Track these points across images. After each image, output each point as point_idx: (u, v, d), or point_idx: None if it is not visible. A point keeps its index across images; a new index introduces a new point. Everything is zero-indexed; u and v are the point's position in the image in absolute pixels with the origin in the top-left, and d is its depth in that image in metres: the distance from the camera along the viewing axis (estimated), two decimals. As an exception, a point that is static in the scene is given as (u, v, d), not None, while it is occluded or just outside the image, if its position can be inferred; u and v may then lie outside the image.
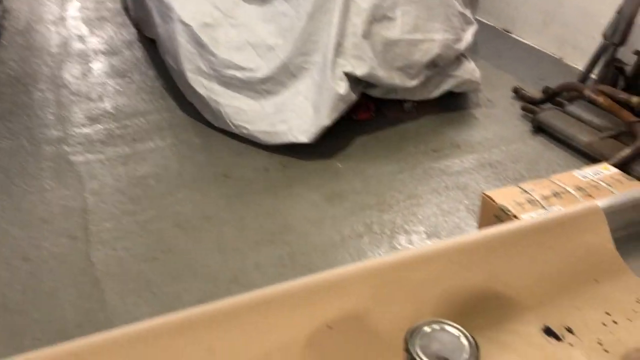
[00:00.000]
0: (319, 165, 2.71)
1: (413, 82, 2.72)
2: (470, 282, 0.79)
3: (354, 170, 2.65)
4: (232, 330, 0.70)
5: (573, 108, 2.79)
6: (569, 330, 0.77)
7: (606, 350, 0.74)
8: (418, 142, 2.83)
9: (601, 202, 0.87)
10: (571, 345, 0.75)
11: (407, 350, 0.65)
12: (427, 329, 0.68)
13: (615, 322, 0.78)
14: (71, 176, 2.60)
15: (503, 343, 0.75)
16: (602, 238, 0.86)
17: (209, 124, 2.92)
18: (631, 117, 2.57)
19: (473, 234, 0.81)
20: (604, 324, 0.78)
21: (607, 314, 0.79)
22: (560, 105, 2.88)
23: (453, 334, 0.67)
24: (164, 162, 2.70)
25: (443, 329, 0.68)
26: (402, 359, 0.66)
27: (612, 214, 0.86)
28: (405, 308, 0.72)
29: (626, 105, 2.62)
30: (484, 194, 1.95)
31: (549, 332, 0.77)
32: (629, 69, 2.89)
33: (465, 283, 0.79)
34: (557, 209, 0.87)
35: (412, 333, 0.67)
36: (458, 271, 0.79)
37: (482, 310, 0.78)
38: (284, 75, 2.67)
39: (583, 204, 0.85)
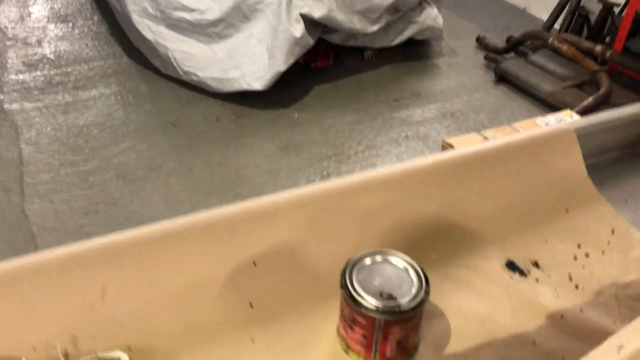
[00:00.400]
0: (274, 115, 2.58)
1: (374, 28, 2.59)
2: (424, 212, 0.68)
3: (311, 120, 2.54)
4: (139, 264, 0.57)
5: (536, 57, 2.71)
6: (536, 265, 0.67)
7: (577, 286, 0.65)
8: (378, 92, 2.73)
9: (574, 124, 0.77)
10: (537, 281, 0.65)
11: (344, 286, 0.54)
12: (368, 261, 0.56)
13: (587, 255, 0.69)
14: (5, 125, 2.42)
15: (460, 280, 0.64)
16: (574, 163, 0.76)
17: (157, 71, 2.76)
18: (594, 66, 2.51)
19: (428, 157, 0.69)
20: (575, 258, 0.68)
21: (579, 246, 0.69)
22: (523, 54, 2.81)
23: (398, 267, 0.56)
24: (108, 111, 2.54)
25: (387, 261, 0.56)
26: (340, 298, 0.55)
27: (586, 136, 0.76)
28: (346, 242, 0.60)
29: (590, 54, 2.56)
30: (445, 141, 1.87)
31: (512, 267, 0.66)
32: (593, 17, 2.81)
33: (418, 213, 0.68)
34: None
35: (350, 266, 0.55)
36: (410, 199, 0.68)
37: (437, 244, 0.67)
38: (237, 17, 2.51)
39: (553, 126, 0.74)
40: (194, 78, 2.58)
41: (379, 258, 0.56)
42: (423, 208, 0.68)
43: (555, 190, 0.74)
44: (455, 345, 0.57)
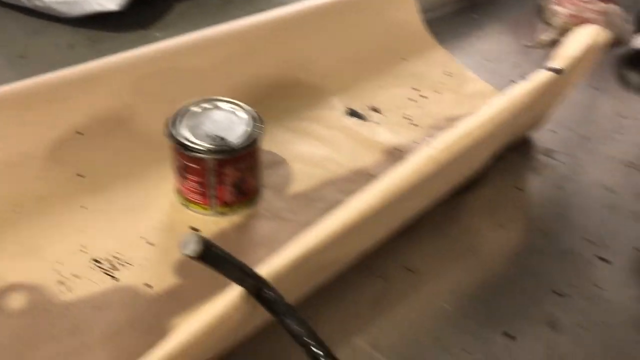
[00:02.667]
0: (134, 37, 2.41)
1: None
2: (263, 69, 0.67)
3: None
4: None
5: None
6: (375, 110, 0.68)
7: (415, 124, 0.66)
8: (244, 3, 2.63)
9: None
10: (377, 123, 0.66)
11: (170, 135, 0.51)
12: (195, 109, 0.54)
13: (423, 97, 0.70)
14: None
15: (302, 130, 0.64)
16: (410, 14, 0.77)
17: (-4, 1, 2.48)
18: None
19: (265, 14, 0.66)
20: (411, 99, 0.70)
21: (415, 89, 0.71)
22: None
23: (228, 110, 0.54)
24: (-57, 48, 2.27)
25: (216, 107, 0.54)
26: (170, 151, 0.52)
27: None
28: (177, 103, 0.57)
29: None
30: None
31: (353, 113, 0.67)
32: None
33: (257, 69, 0.66)
34: None
35: (176, 115, 0.53)
36: (248, 56, 0.66)
37: (278, 99, 0.66)
38: None
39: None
40: (38, 3, 2.35)
41: (207, 105, 0.54)
42: (262, 64, 0.66)
43: (392, 41, 0.75)
44: (297, 186, 0.57)
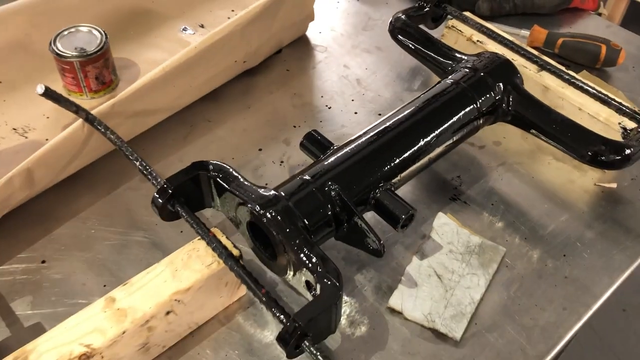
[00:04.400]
0: None
1: None
2: (119, 5, 0.96)
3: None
4: None
5: None
6: (202, 26, 0.99)
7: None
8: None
9: None
10: (200, 34, 0.97)
11: (52, 50, 0.82)
12: (66, 32, 0.85)
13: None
14: None
15: (150, 44, 0.95)
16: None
17: None
18: None
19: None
20: (229, 17, 1.01)
21: (232, 10, 1.02)
22: None
23: (86, 31, 0.85)
24: None
25: (79, 30, 0.85)
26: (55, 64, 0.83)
27: None
28: (60, 29, 0.87)
29: None
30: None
31: (185, 29, 0.98)
32: None
33: (116, 6, 0.96)
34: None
35: (55, 38, 0.83)
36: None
37: (133, 24, 0.96)
38: None
39: None
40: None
41: (73, 30, 0.85)
42: (118, 3, 0.96)
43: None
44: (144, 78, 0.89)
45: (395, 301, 0.66)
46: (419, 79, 0.94)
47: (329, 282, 0.55)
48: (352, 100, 0.90)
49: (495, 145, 0.84)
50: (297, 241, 0.57)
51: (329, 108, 0.89)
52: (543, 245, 0.72)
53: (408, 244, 0.71)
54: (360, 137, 0.68)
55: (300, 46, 1.00)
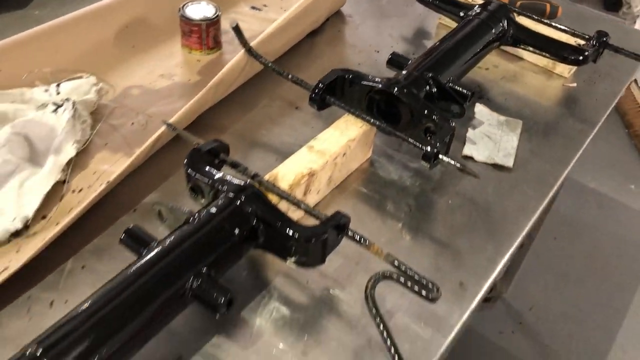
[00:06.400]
0: (17, 15, 2.77)
1: None
2: None
3: (52, 16, 2.80)
4: None
5: None
6: (265, 6, 1.31)
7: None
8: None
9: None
10: (267, 12, 1.30)
11: (185, 17, 1.11)
12: (189, 4, 1.14)
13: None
14: None
15: (229, 19, 1.26)
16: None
17: None
18: None
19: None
20: None
21: (280, -4, 1.36)
22: None
23: (204, 4, 1.15)
24: None
25: (199, 3, 1.15)
26: (179, 23, 1.12)
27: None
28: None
29: None
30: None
31: (254, 8, 1.30)
32: None
33: None
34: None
35: (182, 7, 1.13)
36: None
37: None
38: None
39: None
40: None
41: (196, 2, 1.14)
42: None
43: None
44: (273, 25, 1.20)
45: (466, 151, 1.01)
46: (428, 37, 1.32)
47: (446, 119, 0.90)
48: (392, 47, 1.26)
49: (495, 67, 1.23)
50: (421, 102, 0.91)
51: (377, 52, 1.24)
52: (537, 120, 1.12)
53: (462, 121, 1.07)
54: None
55: (335, 17, 1.35)
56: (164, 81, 1.08)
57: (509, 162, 1.01)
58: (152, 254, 0.66)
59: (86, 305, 0.60)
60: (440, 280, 0.78)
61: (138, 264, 0.65)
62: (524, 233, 0.91)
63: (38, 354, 0.55)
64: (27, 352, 0.55)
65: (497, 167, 1.01)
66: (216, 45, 1.16)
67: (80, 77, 1.01)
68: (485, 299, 1.78)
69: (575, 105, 1.17)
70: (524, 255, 1.98)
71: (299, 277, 0.80)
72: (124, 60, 1.11)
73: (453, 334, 0.77)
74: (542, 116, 1.13)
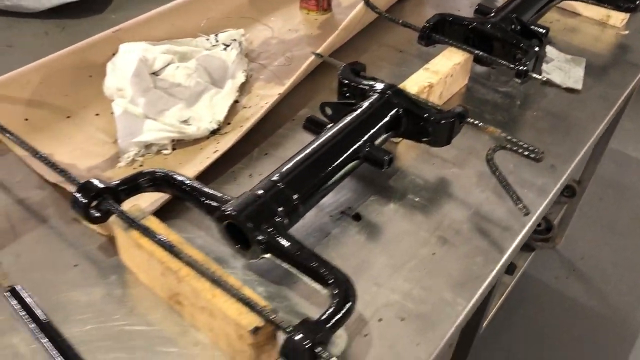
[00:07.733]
0: (94, 21, 3.09)
1: None
2: None
3: (127, 18, 3.11)
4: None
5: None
6: None
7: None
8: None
9: None
10: None
11: (303, -17, 1.38)
12: (306, -26, 1.41)
13: None
14: None
15: None
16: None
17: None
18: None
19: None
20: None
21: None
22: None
23: (319, -27, 1.42)
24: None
25: (313, -27, 1.42)
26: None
27: None
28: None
29: None
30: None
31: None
32: None
33: None
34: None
35: (301, -23, 1.39)
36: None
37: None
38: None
39: None
40: (7, 3, 2.95)
41: (309, -26, 1.41)
42: None
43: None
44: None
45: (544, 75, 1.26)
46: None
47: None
48: (470, 7, 1.51)
49: (558, 21, 1.47)
50: (510, 34, 1.16)
51: (459, 11, 1.49)
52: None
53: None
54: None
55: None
56: (293, 34, 1.34)
57: (579, 85, 1.25)
58: (335, 129, 0.92)
59: (301, 155, 0.86)
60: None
61: (329, 133, 0.91)
62: (595, 134, 1.15)
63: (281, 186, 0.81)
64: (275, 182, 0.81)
65: (568, 90, 1.24)
66: (329, 7, 1.42)
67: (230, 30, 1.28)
68: (544, 239, 2.00)
69: (627, 49, 1.41)
70: (574, 210, 2.20)
71: (429, 159, 1.05)
72: (258, 20, 1.38)
73: (550, 197, 1.01)
74: (599, 57, 1.36)
